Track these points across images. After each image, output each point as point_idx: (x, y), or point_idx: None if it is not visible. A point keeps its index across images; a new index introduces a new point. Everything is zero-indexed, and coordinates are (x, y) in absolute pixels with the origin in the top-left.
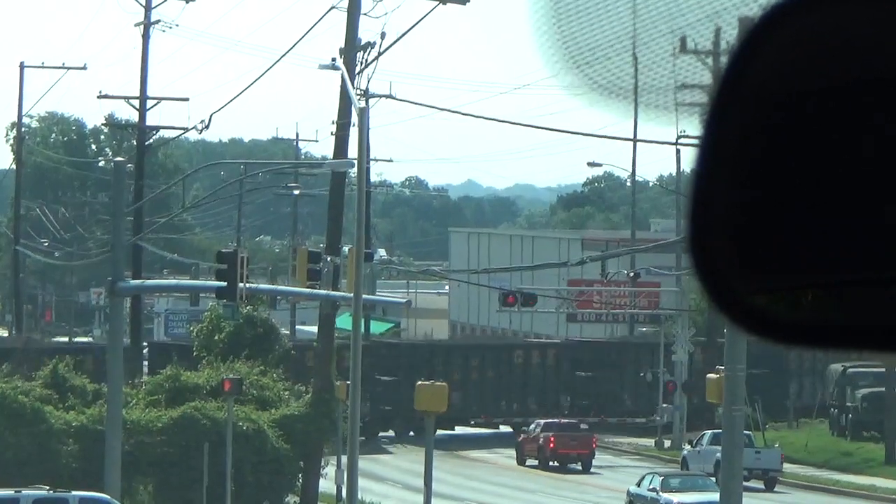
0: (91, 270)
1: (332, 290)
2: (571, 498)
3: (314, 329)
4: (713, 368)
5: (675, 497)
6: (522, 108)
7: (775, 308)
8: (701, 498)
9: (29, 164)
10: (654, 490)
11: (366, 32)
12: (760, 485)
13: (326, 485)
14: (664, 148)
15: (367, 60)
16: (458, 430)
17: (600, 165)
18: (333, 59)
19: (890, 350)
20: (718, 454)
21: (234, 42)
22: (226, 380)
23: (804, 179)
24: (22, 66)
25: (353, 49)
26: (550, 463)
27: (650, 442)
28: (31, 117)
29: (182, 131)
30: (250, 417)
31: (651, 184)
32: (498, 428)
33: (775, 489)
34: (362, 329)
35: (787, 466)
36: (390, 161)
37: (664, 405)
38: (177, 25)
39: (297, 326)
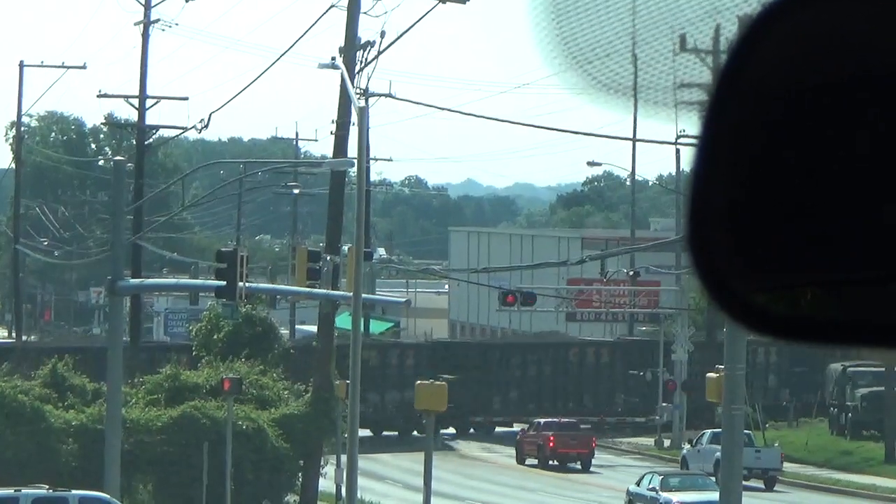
0: (91, 269)
1: (332, 290)
2: (573, 497)
3: (314, 328)
4: (713, 367)
5: (674, 496)
6: (522, 107)
7: (775, 305)
8: (701, 497)
9: (28, 164)
10: (653, 489)
11: (365, 31)
12: (760, 484)
13: (326, 484)
14: (664, 147)
15: (366, 59)
16: (517, 427)
17: (600, 165)
18: (333, 58)
19: (888, 346)
20: (718, 453)
21: (234, 41)
22: (225, 379)
23: (803, 176)
24: (21, 65)
25: (352, 48)
26: (550, 462)
27: (651, 441)
28: (31, 116)
29: (181, 130)
30: (250, 416)
31: (651, 183)
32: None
33: (775, 488)
34: (362, 328)
35: (786, 466)
36: (390, 160)
37: (664, 404)
38: (176, 24)
39: (297, 326)
